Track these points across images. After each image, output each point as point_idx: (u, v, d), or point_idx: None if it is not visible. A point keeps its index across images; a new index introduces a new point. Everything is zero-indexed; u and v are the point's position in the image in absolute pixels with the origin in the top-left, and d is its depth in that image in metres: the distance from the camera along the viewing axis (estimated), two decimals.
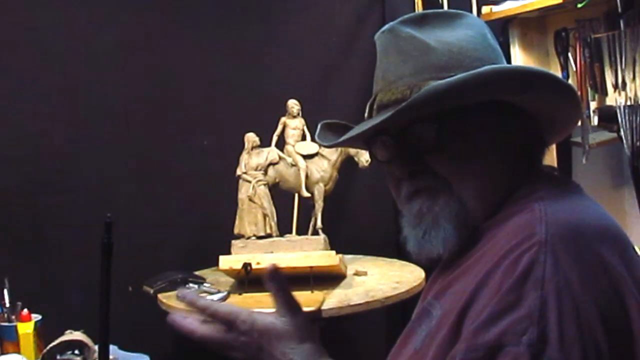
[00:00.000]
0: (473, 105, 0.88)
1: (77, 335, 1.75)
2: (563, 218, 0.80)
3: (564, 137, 1.04)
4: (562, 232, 0.78)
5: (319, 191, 2.22)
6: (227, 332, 0.93)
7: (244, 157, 2.22)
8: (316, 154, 2.25)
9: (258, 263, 1.96)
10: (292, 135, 2.26)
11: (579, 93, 1.99)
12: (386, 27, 0.96)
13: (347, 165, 2.26)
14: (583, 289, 0.74)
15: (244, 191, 2.19)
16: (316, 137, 1.05)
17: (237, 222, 2.19)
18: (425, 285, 1.02)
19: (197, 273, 2.18)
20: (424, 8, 2.42)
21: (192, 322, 0.95)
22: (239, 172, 2.20)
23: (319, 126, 1.05)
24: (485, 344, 0.72)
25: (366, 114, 0.96)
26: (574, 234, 0.78)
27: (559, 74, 2.10)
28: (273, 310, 0.95)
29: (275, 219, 2.19)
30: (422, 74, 0.89)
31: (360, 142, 0.99)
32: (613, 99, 2.02)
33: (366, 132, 0.92)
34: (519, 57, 2.28)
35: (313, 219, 2.23)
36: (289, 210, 2.25)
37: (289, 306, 0.95)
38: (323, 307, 1.81)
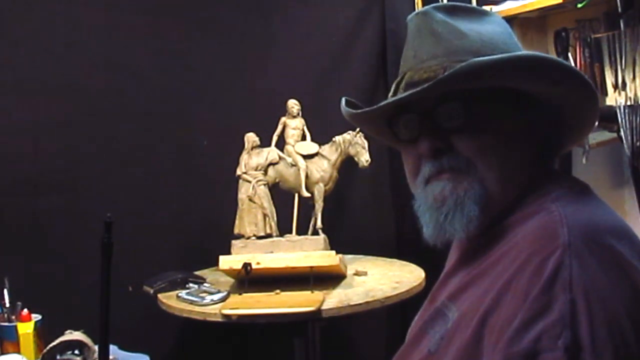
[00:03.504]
0: (502, 92, 0.88)
1: (77, 335, 1.74)
2: (582, 219, 0.80)
3: (577, 143, 1.03)
4: (583, 234, 0.78)
5: (319, 191, 2.22)
6: None
7: (244, 157, 2.22)
8: (316, 154, 2.25)
9: (258, 263, 1.96)
10: (292, 135, 2.27)
11: None
12: (420, 10, 0.96)
13: (347, 165, 2.26)
14: (609, 289, 0.74)
15: (244, 191, 2.19)
16: (342, 108, 1.01)
17: (237, 222, 2.19)
18: (434, 286, 1.00)
19: (197, 273, 2.18)
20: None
21: None
22: (239, 172, 2.21)
23: (342, 100, 1.02)
24: (521, 352, 0.72)
25: (391, 93, 0.95)
26: (595, 235, 0.79)
27: None
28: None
29: (275, 219, 2.19)
30: (455, 56, 0.89)
31: (381, 122, 0.97)
32: (613, 99, 2.02)
33: (398, 103, 0.90)
34: None
35: (313, 219, 2.23)
36: (289, 210, 2.25)
37: None
38: (323, 307, 1.81)
